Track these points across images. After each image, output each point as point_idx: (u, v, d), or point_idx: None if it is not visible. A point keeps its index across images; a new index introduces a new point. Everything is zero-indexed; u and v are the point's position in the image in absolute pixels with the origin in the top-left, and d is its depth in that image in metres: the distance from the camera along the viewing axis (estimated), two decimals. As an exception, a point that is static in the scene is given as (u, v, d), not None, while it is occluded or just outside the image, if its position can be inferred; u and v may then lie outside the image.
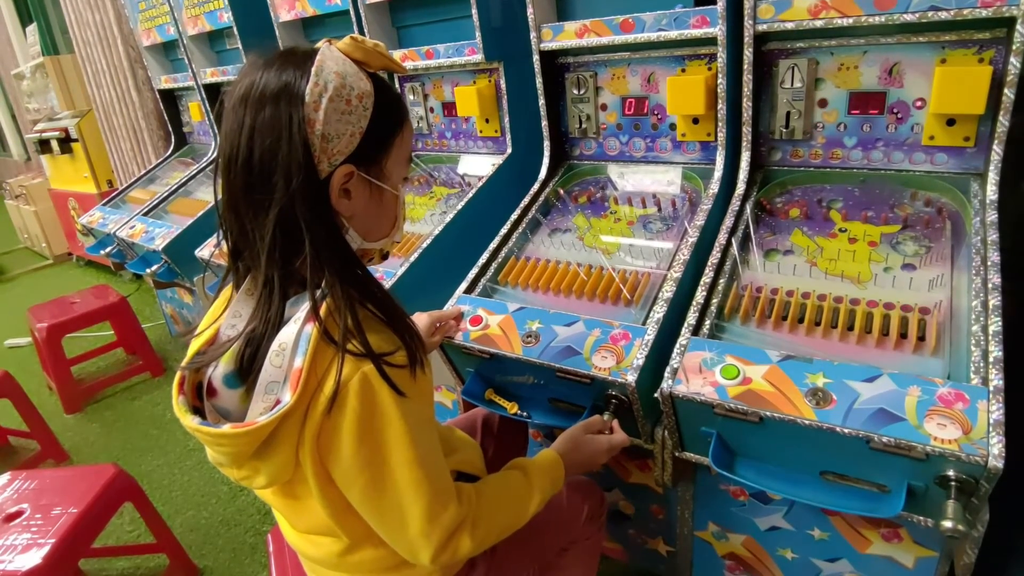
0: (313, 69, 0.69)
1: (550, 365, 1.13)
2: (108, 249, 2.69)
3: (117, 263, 2.74)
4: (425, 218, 1.78)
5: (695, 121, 1.45)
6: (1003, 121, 1.08)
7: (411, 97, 1.97)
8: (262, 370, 0.70)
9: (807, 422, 0.89)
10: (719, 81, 1.32)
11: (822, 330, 1.06)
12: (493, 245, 1.45)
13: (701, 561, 1.36)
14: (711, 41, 1.30)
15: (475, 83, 1.77)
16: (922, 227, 1.18)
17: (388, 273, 1.48)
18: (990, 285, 0.97)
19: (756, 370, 0.97)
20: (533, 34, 1.51)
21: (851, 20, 1.13)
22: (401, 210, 0.84)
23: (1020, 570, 1.20)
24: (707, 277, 1.17)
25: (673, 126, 1.50)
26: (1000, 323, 0.91)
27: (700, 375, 1.00)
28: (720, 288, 1.16)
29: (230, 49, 2.53)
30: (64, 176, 4.42)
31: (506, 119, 1.76)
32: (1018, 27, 1.01)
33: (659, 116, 1.51)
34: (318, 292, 0.71)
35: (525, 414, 1.23)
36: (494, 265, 1.42)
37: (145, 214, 2.62)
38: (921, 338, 0.99)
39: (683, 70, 1.42)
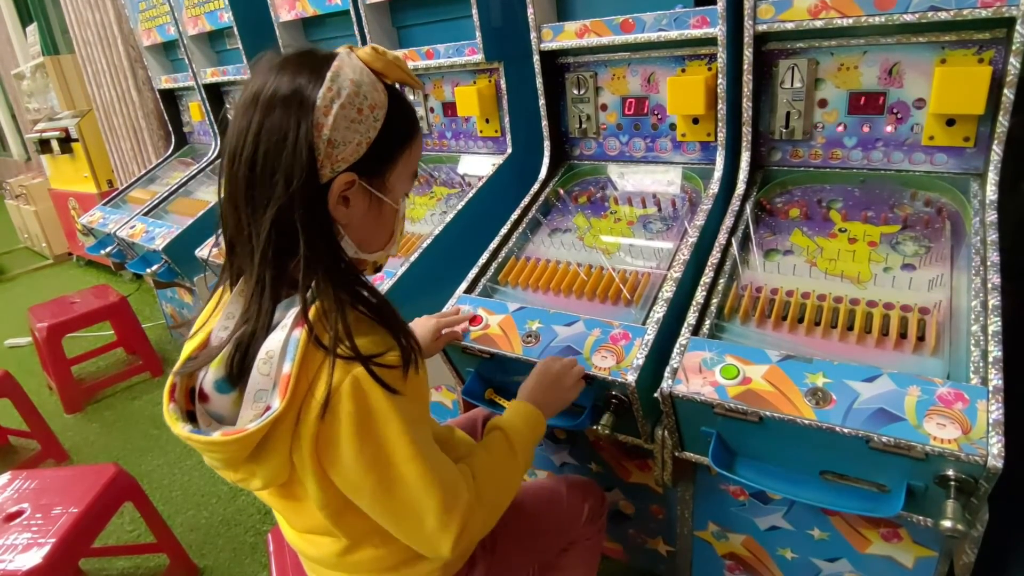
0: (329, 74, 0.69)
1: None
2: (108, 249, 2.69)
3: (117, 263, 2.74)
4: (425, 218, 1.79)
5: (695, 121, 1.45)
6: (1003, 121, 1.09)
7: (411, 97, 1.97)
8: (251, 379, 0.70)
9: (807, 422, 0.89)
10: (719, 81, 1.32)
11: (822, 330, 1.06)
12: (493, 245, 1.45)
13: (701, 561, 1.36)
14: (711, 41, 1.30)
15: (475, 83, 1.77)
16: (922, 227, 1.18)
17: (388, 273, 1.48)
18: (990, 285, 0.97)
19: (756, 370, 0.97)
20: (533, 34, 1.51)
21: (851, 20, 1.13)
22: (399, 225, 0.84)
23: (1020, 570, 1.20)
24: (707, 277, 1.17)
25: (673, 126, 1.50)
26: (1000, 323, 0.91)
27: (700, 375, 1.00)
28: (720, 288, 1.16)
29: (230, 49, 2.53)
30: (64, 176, 4.42)
31: (506, 119, 1.76)
32: (1018, 27, 1.01)
33: (659, 116, 1.51)
34: (308, 294, 0.71)
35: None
36: (494, 265, 1.42)
37: (145, 214, 2.62)
38: (921, 338, 0.99)
39: (683, 70, 1.42)
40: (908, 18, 1.09)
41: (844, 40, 1.22)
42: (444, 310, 1.32)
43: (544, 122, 1.63)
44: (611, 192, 1.58)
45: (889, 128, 1.24)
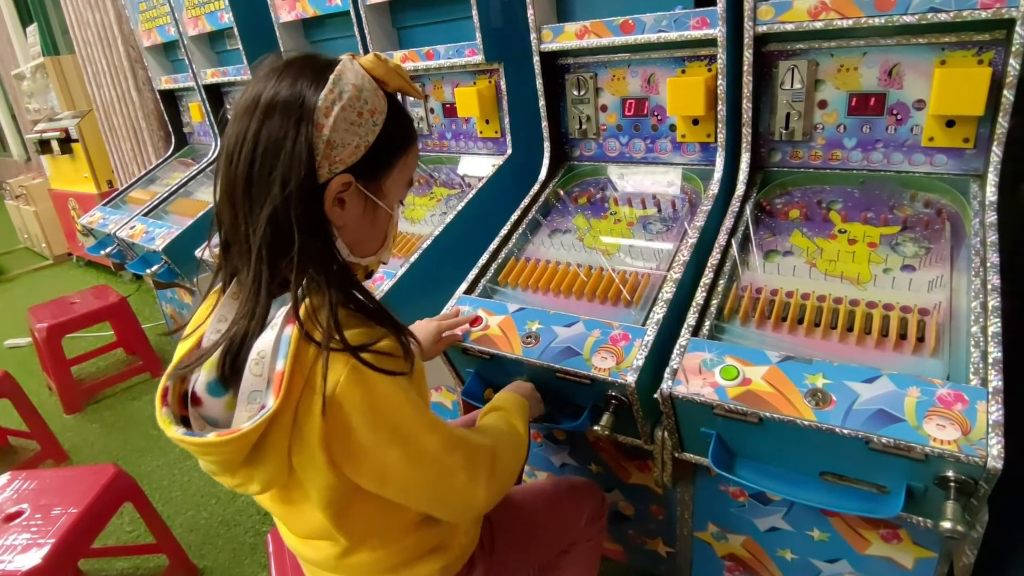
0: (332, 77, 0.70)
1: (550, 366, 1.13)
2: (108, 249, 2.69)
3: (117, 263, 2.74)
4: (425, 219, 1.79)
5: (695, 122, 1.45)
6: (1002, 122, 1.09)
7: (411, 98, 1.97)
8: (243, 380, 0.69)
9: (807, 423, 0.89)
10: (719, 82, 1.33)
11: (821, 331, 1.06)
12: (493, 246, 1.45)
13: (701, 562, 1.36)
14: (711, 42, 1.30)
15: (475, 84, 1.77)
16: (921, 228, 1.18)
17: (388, 274, 1.48)
18: (989, 286, 0.98)
19: (756, 371, 0.97)
20: (533, 35, 1.51)
21: (851, 21, 1.14)
22: (392, 231, 0.84)
23: (1019, 571, 1.21)
24: (707, 278, 1.17)
25: (673, 127, 1.50)
26: (999, 324, 0.91)
27: (700, 376, 1.00)
28: (720, 289, 1.16)
29: (231, 50, 2.53)
30: (64, 176, 4.42)
31: (506, 120, 1.76)
32: (1017, 29, 1.01)
33: (659, 117, 1.51)
34: (299, 292, 0.71)
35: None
36: (494, 266, 1.43)
37: (145, 214, 2.62)
38: (920, 339, 0.99)
39: (683, 71, 1.42)
40: (908, 19, 1.09)
41: (844, 41, 1.22)
42: (444, 311, 1.32)
43: (544, 123, 1.63)
44: (611, 193, 1.58)
45: (889, 129, 1.25)
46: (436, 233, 1.57)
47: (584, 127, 1.62)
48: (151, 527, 1.74)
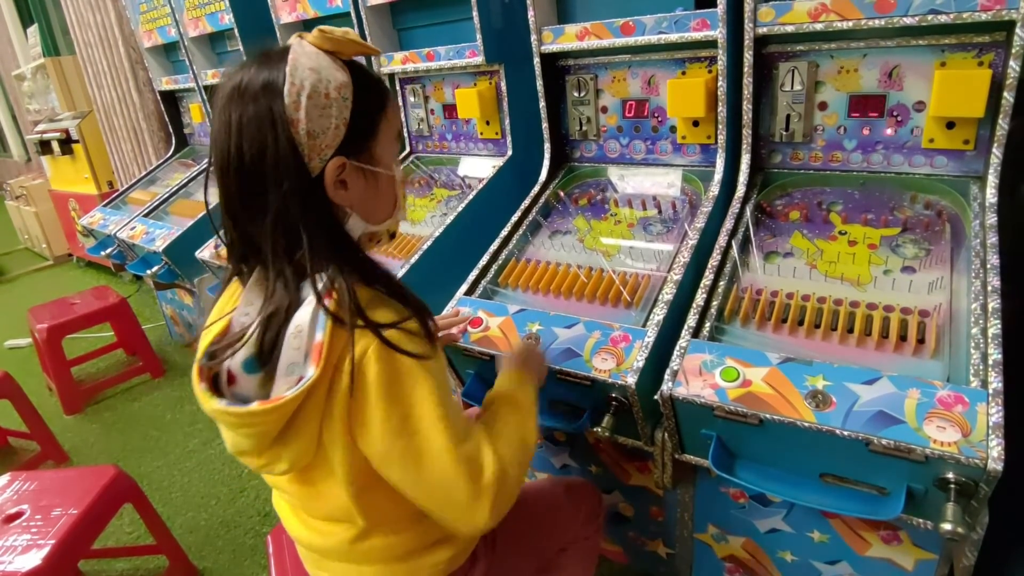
0: (288, 70, 0.69)
1: (550, 367, 1.13)
2: (108, 250, 2.69)
3: (117, 264, 2.74)
4: (425, 220, 1.79)
5: (695, 124, 1.46)
6: (1002, 124, 1.09)
7: (412, 99, 1.97)
8: (282, 354, 0.71)
9: (807, 424, 0.89)
10: (719, 84, 1.33)
11: (822, 332, 1.06)
12: (493, 247, 1.45)
13: (701, 563, 1.36)
14: (711, 44, 1.30)
15: (476, 85, 1.77)
16: (922, 230, 1.18)
17: (388, 275, 1.48)
18: (989, 288, 0.98)
19: (756, 372, 0.98)
20: (534, 37, 1.51)
21: (851, 23, 1.14)
22: (400, 189, 0.85)
23: (1020, 573, 1.20)
24: (707, 279, 1.17)
25: (673, 128, 1.50)
26: (999, 326, 0.91)
27: (700, 377, 1.00)
28: (720, 290, 1.17)
29: (231, 51, 2.53)
30: (65, 177, 4.43)
31: (506, 121, 1.76)
32: (1017, 31, 1.02)
33: (659, 118, 1.51)
34: (322, 281, 0.72)
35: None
36: (494, 267, 1.43)
37: (146, 215, 2.62)
38: (921, 341, 0.99)
39: (683, 73, 1.43)
40: (908, 21, 1.09)
41: (844, 43, 1.22)
42: (444, 312, 1.32)
43: (544, 124, 1.64)
44: (611, 194, 1.58)
45: (889, 131, 1.25)
46: (436, 234, 1.57)
47: (584, 128, 1.62)
48: (151, 528, 1.73)
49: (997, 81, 1.08)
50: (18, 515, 1.49)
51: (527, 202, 1.58)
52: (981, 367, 0.89)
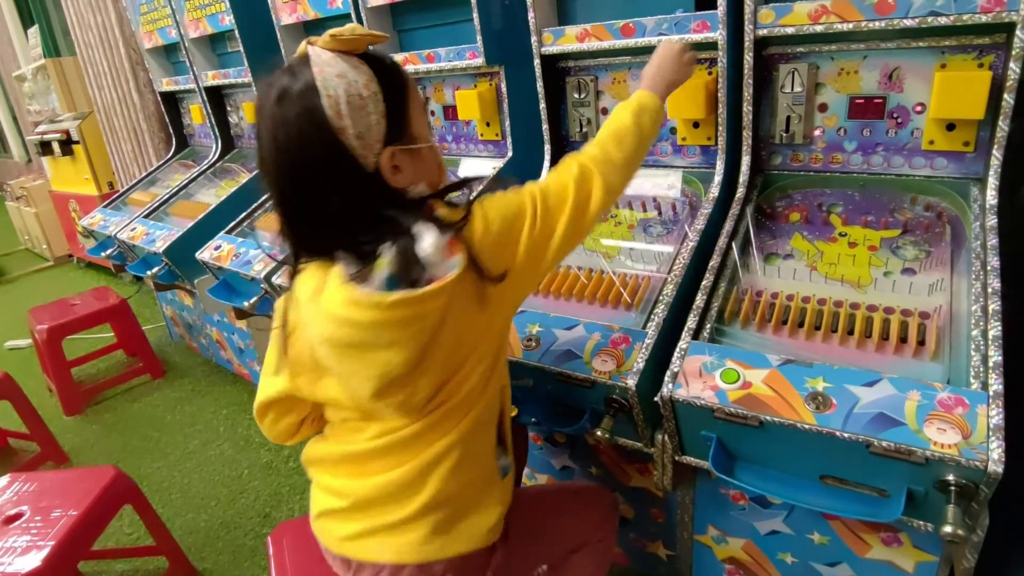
0: (320, 86, 0.74)
1: (550, 369, 1.13)
2: (109, 251, 2.69)
3: (118, 265, 2.74)
4: (426, 221, 1.78)
5: (695, 125, 1.46)
6: (1003, 126, 1.09)
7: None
8: (424, 262, 0.76)
9: (807, 426, 0.89)
10: (719, 85, 1.33)
11: (822, 334, 1.06)
12: (493, 248, 1.45)
13: (701, 565, 1.36)
14: (712, 45, 1.30)
15: (476, 86, 1.77)
16: (922, 231, 1.18)
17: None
18: (990, 290, 0.98)
19: (756, 374, 0.98)
20: (534, 38, 1.51)
21: (851, 25, 1.14)
22: (438, 156, 0.90)
23: (1020, 575, 1.20)
24: (707, 281, 1.17)
25: (674, 130, 1.50)
26: (1000, 328, 0.91)
27: (700, 379, 1.00)
28: (720, 292, 1.17)
29: (231, 52, 2.53)
30: (65, 178, 4.43)
31: (507, 122, 1.76)
32: (1018, 32, 1.02)
33: (659, 120, 1.51)
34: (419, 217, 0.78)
35: (534, 420, 1.23)
36: (494, 268, 1.42)
37: (146, 216, 2.62)
38: (921, 342, 0.99)
39: (683, 74, 1.42)
40: (908, 23, 1.09)
41: (844, 45, 1.22)
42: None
43: (545, 126, 1.64)
44: (611, 196, 1.58)
45: (889, 133, 1.25)
46: (436, 235, 1.57)
47: (585, 130, 1.62)
48: (151, 529, 1.73)
49: (997, 83, 1.08)
50: (18, 516, 1.49)
51: (527, 203, 1.57)
52: (981, 369, 0.89)
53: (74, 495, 1.53)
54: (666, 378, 1.02)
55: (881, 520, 0.92)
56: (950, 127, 1.18)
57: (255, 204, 2.25)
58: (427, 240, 0.76)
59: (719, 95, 1.34)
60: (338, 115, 0.73)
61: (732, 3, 1.24)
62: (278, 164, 0.77)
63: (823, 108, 1.30)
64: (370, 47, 0.81)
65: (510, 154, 1.77)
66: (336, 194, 0.76)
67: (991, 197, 1.12)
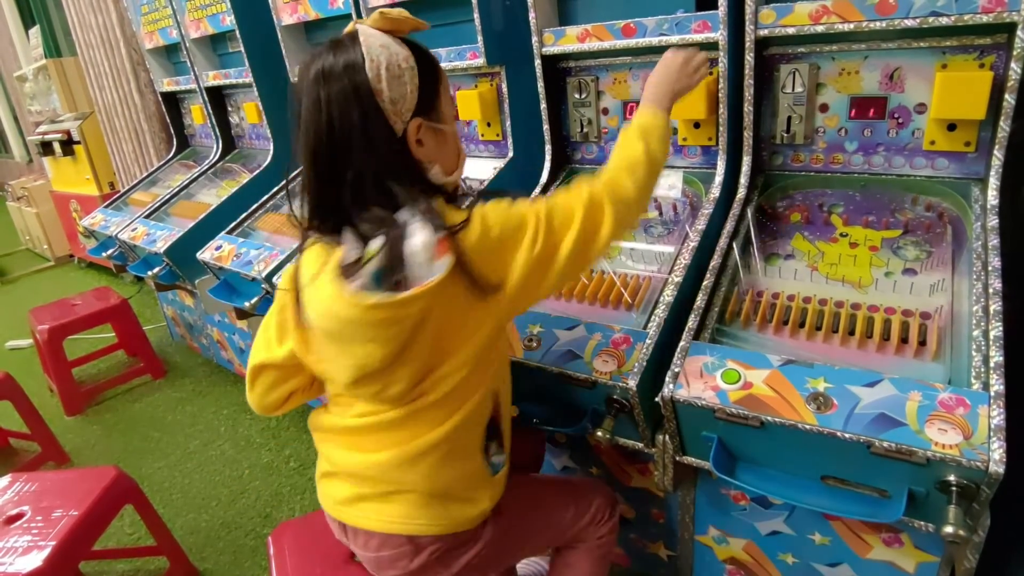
0: (364, 51, 0.80)
1: (551, 369, 1.13)
2: (110, 251, 2.69)
3: (118, 265, 2.74)
4: (426, 221, 1.78)
5: (696, 125, 1.46)
6: (1004, 126, 1.09)
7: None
8: (412, 263, 0.78)
9: (808, 427, 0.89)
10: (720, 86, 1.33)
11: (823, 335, 1.06)
12: (494, 249, 1.45)
13: (702, 565, 1.36)
14: (712, 46, 1.30)
15: (477, 87, 1.77)
16: (923, 232, 1.18)
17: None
18: (991, 290, 0.97)
19: (757, 374, 0.97)
20: (535, 38, 1.51)
21: (852, 25, 1.14)
22: (460, 144, 0.96)
23: (1021, 575, 1.20)
24: (708, 281, 1.17)
25: (675, 130, 1.50)
26: (1001, 328, 0.91)
27: (701, 379, 1.00)
28: (721, 292, 1.16)
29: (232, 52, 2.53)
30: (66, 178, 4.43)
31: (508, 123, 1.76)
32: (1019, 33, 1.02)
33: (660, 120, 1.51)
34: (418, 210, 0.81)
35: (535, 420, 1.23)
36: (495, 269, 1.42)
37: (147, 216, 2.62)
38: (922, 343, 0.99)
39: (684, 74, 1.42)
40: (909, 23, 1.09)
41: (845, 45, 1.22)
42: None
43: (545, 126, 1.64)
44: (612, 196, 1.58)
45: (890, 133, 1.25)
46: (437, 236, 1.57)
47: (586, 130, 1.62)
48: (152, 529, 1.73)
49: (998, 83, 1.08)
50: (19, 516, 1.49)
51: (528, 204, 1.57)
52: (982, 369, 0.89)
53: (75, 495, 1.53)
54: (667, 378, 1.02)
55: (882, 521, 0.92)
56: (951, 127, 1.18)
57: (256, 204, 2.25)
58: (417, 238, 0.78)
59: (720, 95, 1.34)
60: (378, 78, 0.80)
61: (733, 3, 1.24)
62: (316, 119, 0.81)
63: (824, 108, 1.30)
64: (411, 34, 0.87)
65: (511, 154, 1.77)
66: (364, 151, 0.81)
67: (992, 197, 1.11)
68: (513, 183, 1.74)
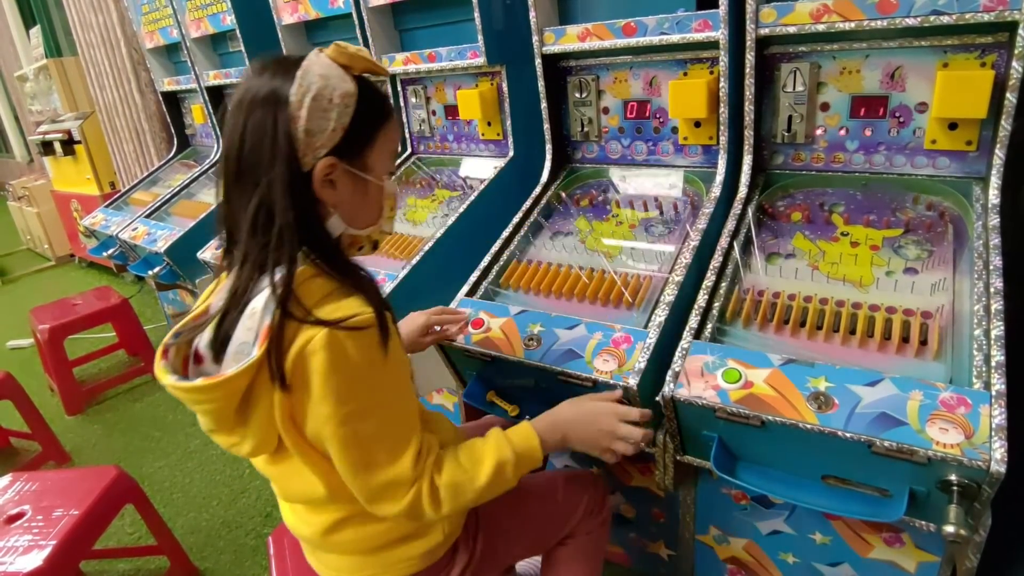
0: (299, 73, 0.75)
1: (552, 368, 1.13)
2: (110, 251, 2.70)
3: (119, 265, 2.74)
4: (427, 221, 1.79)
5: (697, 124, 1.45)
6: (1005, 125, 1.08)
7: (413, 100, 1.97)
8: (234, 335, 0.75)
9: (809, 426, 0.89)
10: (721, 85, 1.32)
11: (824, 334, 1.06)
12: (495, 248, 1.45)
13: (702, 565, 1.36)
14: (713, 45, 1.30)
15: (477, 86, 1.77)
16: (924, 231, 1.18)
17: (390, 276, 1.48)
18: (992, 289, 0.97)
19: (758, 374, 0.97)
20: (535, 37, 1.51)
21: (853, 24, 1.13)
22: (387, 201, 0.89)
23: (1022, 575, 1.20)
24: (709, 280, 1.17)
25: (675, 129, 1.50)
26: (1002, 327, 0.91)
27: (702, 379, 1.00)
28: (722, 291, 1.16)
29: (233, 52, 2.53)
30: (67, 178, 4.43)
31: (508, 122, 1.76)
32: (1020, 31, 1.01)
33: (661, 119, 1.51)
34: (282, 271, 0.75)
35: (528, 417, 1.23)
36: (496, 268, 1.42)
37: (147, 216, 2.63)
38: (923, 342, 0.99)
39: (685, 74, 1.42)
40: (910, 22, 1.09)
41: (846, 44, 1.22)
42: (447, 312, 1.31)
43: (546, 125, 1.63)
44: (613, 195, 1.58)
45: (891, 132, 1.24)
46: (438, 235, 1.57)
47: (586, 129, 1.62)
48: (152, 529, 1.73)
49: (1000, 82, 1.08)
50: (19, 516, 1.49)
51: (528, 203, 1.58)
52: (984, 369, 0.88)
53: (76, 495, 1.54)
54: (668, 378, 1.02)
55: (883, 520, 0.92)
56: (952, 126, 1.18)
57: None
58: (256, 301, 0.74)
59: (721, 94, 1.33)
60: (299, 104, 0.74)
61: (734, 2, 1.24)
62: (230, 133, 0.77)
63: (825, 107, 1.29)
64: (370, 76, 0.83)
65: (511, 153, 1.77)
66: (265, 175, 0.75)
67: (993, 196, 1.11)
68: (513, 182, 1.74)
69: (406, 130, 2.05)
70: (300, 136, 0.75)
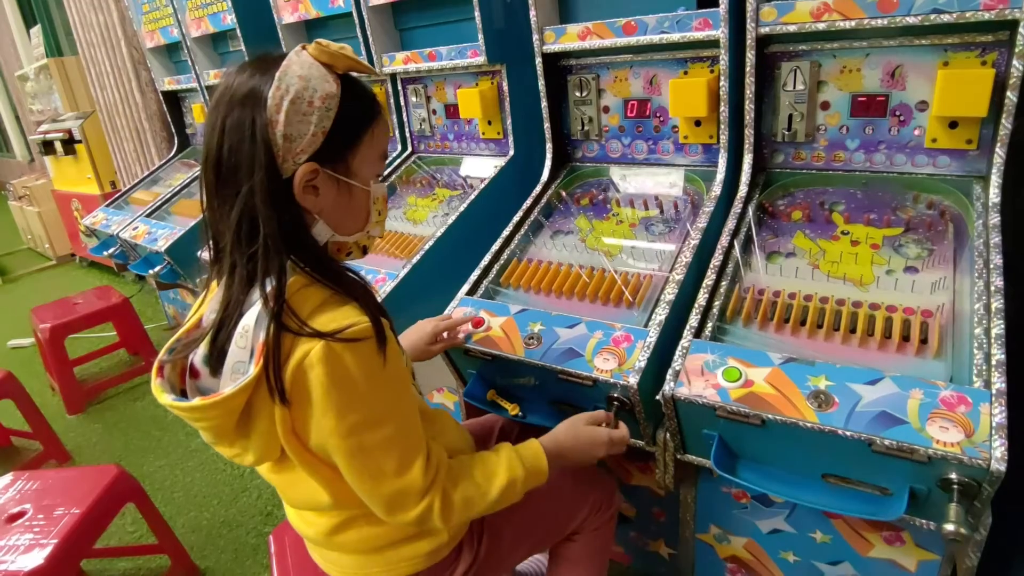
0: (278, 74, 0.72)
1: (552, 367, 1.13)
2: (111, 250, 2.70)
3: (120, 264, 2.74)
4: (427, 220, 1.79)
5: (697, 123, 1.45)
6: (1005, 124, 1.08)
7: (413, 99, 1.98)
8: (229, 353, 0.73)
9: (809, 425, 0.89)
10: (721, 84, 1.32)
11: (824, 333, 1.06)
12: (495, 247, 1.45)
13: (703, 564, 1.36)
14: (713, 44, 1.30)
15: (478, 85, 1.77)
16: (924, 230, 1.18)
17: (391, 275, 1.48)
18: (992, 288, 0.97)
19: (758, 372, 0.97)
20: (535, 36, 1.51)
21: (853, 23, 1.13)
22: (376, 206, 0.86)
23: (1022, 574, 1.20)
24: (709, 279, 1.17)
25: (675, 128, 1.50)
26: (1002, 326, 0.91)
27: (702, 377, 1.00)
28: (722, 290, 1.16)
29: (233, 51, 2.54)
30: (67, 177, 4.43)
31: (508, 121, 1.76)
32: (1021, 30, 1.01)
33: (661, 118, 1.51)
34: (270, 280, 0.73)
35: (526, 416, 1.23)
36: (496, 267, 1.43)
37: (148, 215, 2.63)
38: (923, 341, 0.99)
39: (685, 72, 1.42)
40: (911, 20, 1.08)
41: (847, 42, 1.22)
42: (445, 313, 1.32)
43: (546, 124, 1.63)
44: (613, 194, 1.58)
45: (892, 131, 1.24)
46: (438, 234, 1.57)
47: (586, 128, 1.62)
48: (153, 528, 1.74)
49: (1000, 81, 1.08)
50: (21, 515, 1.49)
51: (529, 202, 1.58)
52: (984, 367, 0.88)
53: (77, 493, 1.54)
54: (668, 376, 1.02)
55: (883, 519, 0.92)
56: (953, 125, 1.17)
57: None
58: (248, 317, 0.72)
59: (721, 93, 1.33)
60: (277, 107, 0.71)
61: (734, 1, 1.24)
62: (208, 134, 0.74)
63: (825, 106, 1.29)
64: (358, 75, 0.80)
65: (511, 152, 1.77)
66: (245, 182, 0.72)
67: (994, 195, 1.11)
68: (514, 181, 1.74)
69: (407, 129, 2.05)
70: (279, 142, 0.72)
